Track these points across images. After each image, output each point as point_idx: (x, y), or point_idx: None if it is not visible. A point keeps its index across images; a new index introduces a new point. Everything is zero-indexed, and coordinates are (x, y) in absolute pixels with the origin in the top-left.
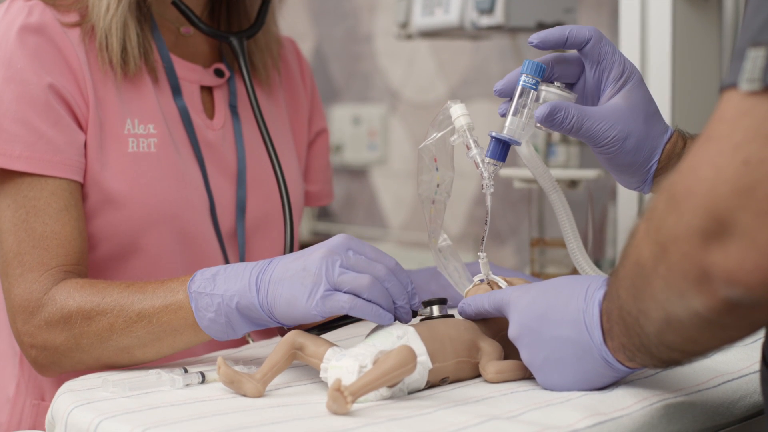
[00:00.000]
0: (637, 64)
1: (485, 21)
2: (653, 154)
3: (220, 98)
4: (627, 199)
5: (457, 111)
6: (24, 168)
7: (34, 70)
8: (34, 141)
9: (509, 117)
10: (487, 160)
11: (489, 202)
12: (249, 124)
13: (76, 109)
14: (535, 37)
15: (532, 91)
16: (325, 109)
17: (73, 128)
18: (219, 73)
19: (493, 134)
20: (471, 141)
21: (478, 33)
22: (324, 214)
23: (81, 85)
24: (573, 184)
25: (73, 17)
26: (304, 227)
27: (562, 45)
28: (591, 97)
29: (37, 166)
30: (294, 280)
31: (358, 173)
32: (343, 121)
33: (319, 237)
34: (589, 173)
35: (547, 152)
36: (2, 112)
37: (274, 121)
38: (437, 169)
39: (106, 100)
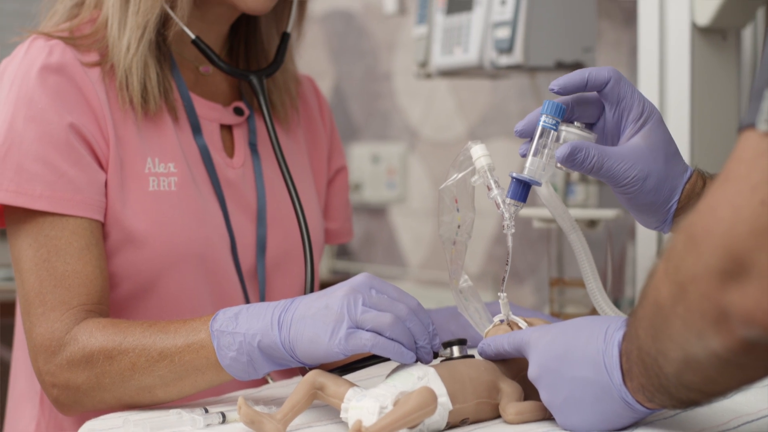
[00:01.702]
0: (655, 102)
1: (504, 60)
2: (673, 194)
3: (240, 136)
4: (646, 238)
5: (478, 152)
6: (45, 207)
7: (55, 110)
8: (55, 180)
9: (530, 157)
10: (508, 200)
11: (510, 243)
12: (269, 162)
13: (97, 149)
14: (556, 83)
15: (553, 131)
16: (344, 147)
17: (94, 167)
18: (239, 112)
19: (514, 175)
20: (492, 181)
21: (497, 72)
22: (343, 252)
23: (101, 124)
24: (592, 223)
25: (93, 56)
26: (324, 265)
27: (582, 89)
28: (611, 137)
29: (58, 206)
30: (316, 318)
31: (377, 211)
32: (362, 160)
33: (339, 275)
34: (608, 213)
35: (566, 191)
36: (23, 152)
37: (293, 159)
38: (458, 210)
39: (127, 139)
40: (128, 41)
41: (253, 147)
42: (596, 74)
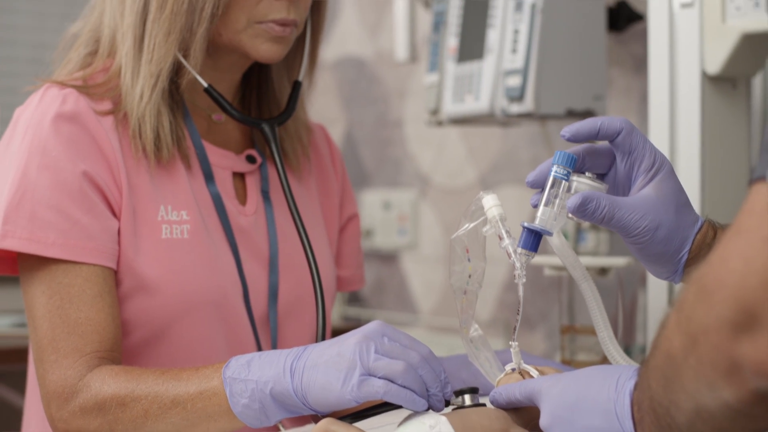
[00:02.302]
0: (666, 150)
1: (515, 108)
2: (684, 244)
3: (252, 184)
4: (657, 286)
5: (490, 202)
6: (58, 255)
7: (69, 158)
8: (68, 228)
9: (541, 207)
10: (520, 250)
11: (521, 293)
12: (281, 210)
13: (110, 196)
14: (567, 130)
15: (564, 181)
16: (355, 193)
17: (107, 215)
18: (251, 159)
19: (526, 225)
20: (503, 231)
21: (508, 120)
22: (354, 299)
23: (114, 172)
24: (603, 271)
25: (106, 105)
26: (335, 312)
27: (593, 137)
28: (622, 188)
29: (71, 253)
30: (329, 365)
31: (388, 258)
32: (373, 206)
33: (350, 322)
34: (619, 261)
35: (577, 238)
36: (37, 199)
37: (305, 207)
38: (469, 259)
39: (140, 186)
40: (141, 90)
41: (265, 194)
42: (608, 124)
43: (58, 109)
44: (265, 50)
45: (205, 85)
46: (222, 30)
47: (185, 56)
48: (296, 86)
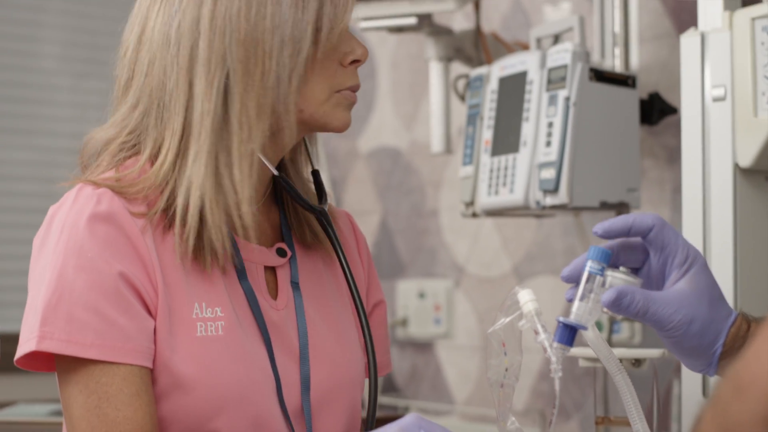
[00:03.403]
0: (699, 242)
1: (549, 200)
2: (718, 338)
3: (283, 277)
4: (691, 376)
5: (525, 297)
6: (96, 356)
7: (105, 259)
8: (105, 329)
9: (576, 302)
10: (556, 345)
11: (558, 387)
12: (310, 300)
13: (146, 296)
14: (600, 227)
15: (598, 276)
16: (390, 282)
17: (143, 315)
18: (281, 253)
19: (561, 320)
20: (539, 326)
21: (542, 212)
22: (389, 387)
23: (150, 271)
24: (637, 362)
25: (140, 207)
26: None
27: (626, 234)
28: (656, 282)
29: (109, 354)
30: None
31: (423, 347)
32: (408, 296)
33: (384, 410)
34: (653, 352)
35: (611, 329)
36: (74, 301)
37: (334, 293)
38: (506, 353)
39: (174, 284)
40: (232, 181)
41: (295, 285)
42: (640, 221)
43: (93, 209)
44: (344, 118)
45: (276, 172)
46: (303, 104)
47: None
48: (317, 175)
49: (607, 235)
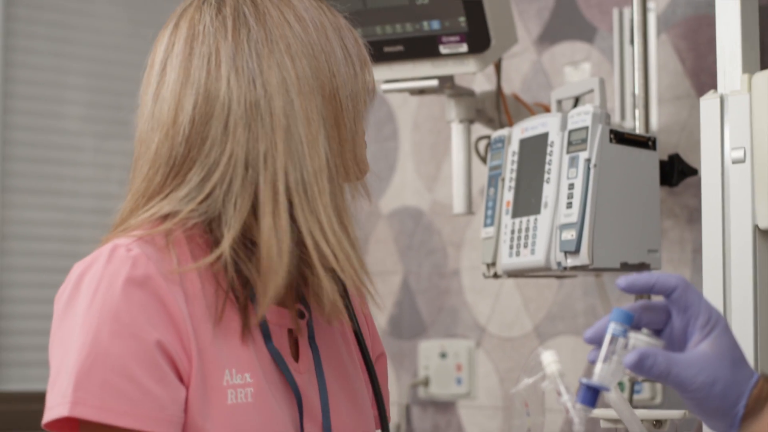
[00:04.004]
0: (719, 302)
1: (570, 262)
2: (740, 399)
3: (303, 339)
4: None
5: (548, 358)
6: (130, 425)
7: (141, 326)
8: (140, 398)
9: (599, 364)
10: (578, 405)
11: None
12: (325, 357)
13: (180, 366)
14: (623, 281)
15: (621, 338)
16: (412, 342)
17: (177, 385)
18: (299, 314)
19: (584, 381)
20: (562, 388)
21: (563, 273)
22: None
23: (184, 340)
24: (659, 423)
25: (170, 263)
26: None
27: (648, 291)
28: (678, 343)
29: (142, 423)
30: None
31: (444, 407)
32: (430, 355)
33: None
34: (675, 413)
35: (632, 389)
36: (109, 367)
37: (341, 347)
38: (528, 414)
39: (205, 351)
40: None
41: (313, 345)
42: (664, 280)
43: (129, 274)
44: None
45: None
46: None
47: None
48: None
49: (629, 289)
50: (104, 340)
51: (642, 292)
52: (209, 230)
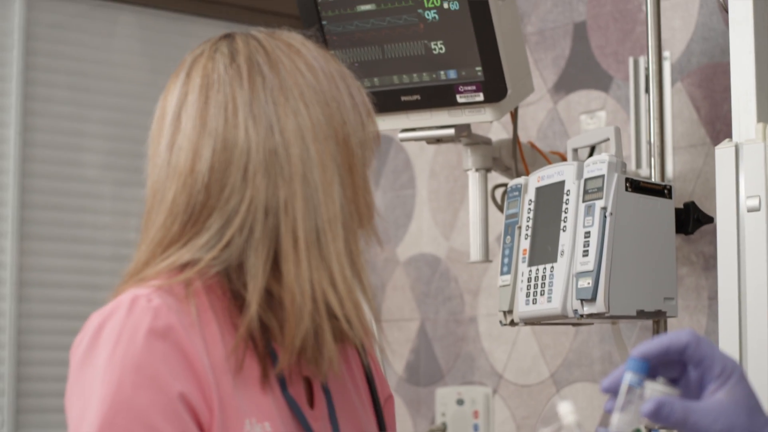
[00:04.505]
0: (735, 350)
1: (587, 309)
2: None
3: (317, 384)
4: None
5: (565, 409)
6: None
7: (164, 378)
8: None
9: (616, 414)
10: None
11: None
12: (337, 402)
13: (202, 418)
14: (638, 353)
15: (637, 387)
16: (429, 389)
17: None
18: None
19: (601, 431)
20: None
21: (579, 320)
22: None
23: (206, 391)
24: None
25: (190, 314)
26: None
27: (664, 356)
28: (694, 392)
29: None
30: None
31: None
32: (447, 402)
33: None
34: None
35: None
36: (132, 418)
37: (351, 389)
38: None
39: (226, 401)
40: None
41: (326, 391)
42: (676, 341)
43: (150, 325)
44: None
45: None
46: None
47: None
48: None
49: (646, 359)
50: (127, 391)
51: (657, 356)
52: (228, 279)
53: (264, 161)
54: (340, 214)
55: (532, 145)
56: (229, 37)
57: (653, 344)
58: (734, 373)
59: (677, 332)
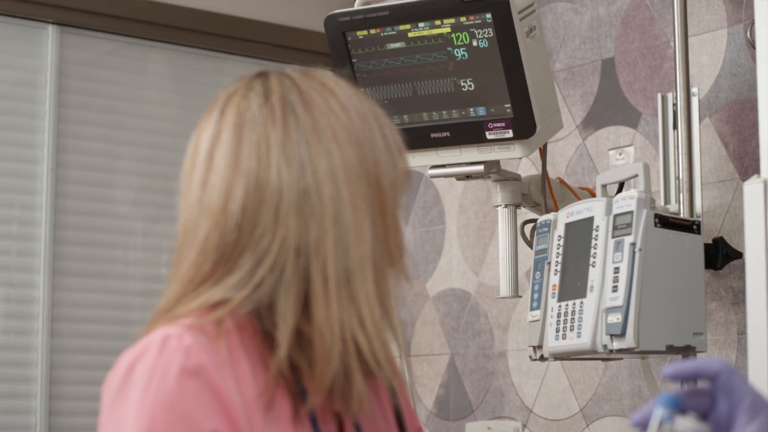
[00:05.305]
0: (765, 385)
1: (617, 345)
2: None
3: (348, 422)
4: None
5: None
6: None
7: (196, 417)
8: None
9: None
10: None
11: None
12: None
13: None
14: (669, 373)
15: (667, 423)
16: (459, 424)
17: None
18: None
19: None
20: None
21: (609, 355)
22: None
23: (238, 429)
24: None
25: (221, 353)
26: None
27: (694, 377)
28: (724, 426)
29: None
30: None
31: None
32: None
33: None
34: None
35: None
36: None
37: (381, 425)
38: None
39: None
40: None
41: (356, 426)
42: (708, 367)
43: (183, 364)
44: None
45: None
46: None
47: None
48: None
49: (675, 378)
50: (159, 430)
51: (687, 379)
52: (259, 319)
53: (296, 201)
54: (371, 254)
55: (561, 181)
56: (263, 75)
57: (686, 365)
58: (764, 408)
59: (710, 359)
